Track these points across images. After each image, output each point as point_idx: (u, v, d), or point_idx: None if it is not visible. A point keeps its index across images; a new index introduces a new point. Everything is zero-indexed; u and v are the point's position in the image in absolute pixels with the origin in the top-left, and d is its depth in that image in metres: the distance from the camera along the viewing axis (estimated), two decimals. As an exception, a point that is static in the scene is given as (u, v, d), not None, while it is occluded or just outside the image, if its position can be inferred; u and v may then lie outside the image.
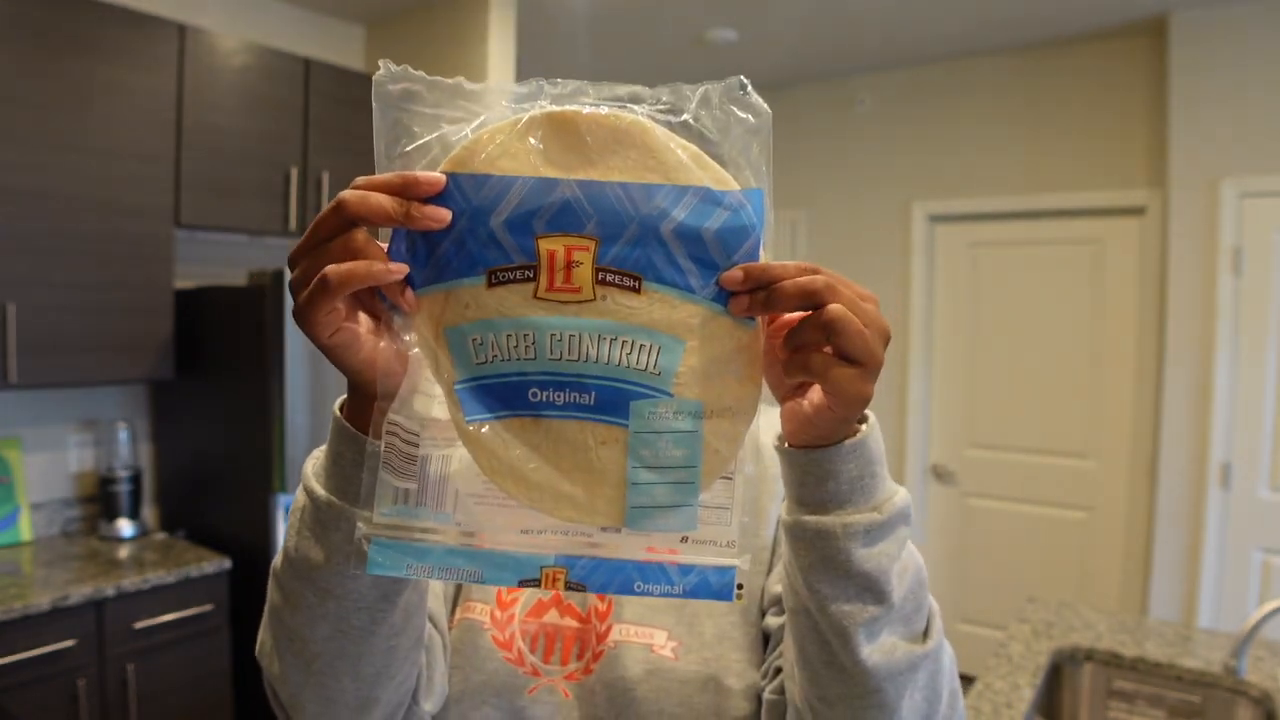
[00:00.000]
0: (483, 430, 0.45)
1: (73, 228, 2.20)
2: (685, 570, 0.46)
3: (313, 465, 0.56)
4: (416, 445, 0.46)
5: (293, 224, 2.68)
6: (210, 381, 2.50)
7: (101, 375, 2.30)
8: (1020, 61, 3.46)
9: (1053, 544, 3.47)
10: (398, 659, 0.59)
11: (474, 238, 0.44)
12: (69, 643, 1.97)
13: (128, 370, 2.35)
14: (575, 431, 0.45)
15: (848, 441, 0.50)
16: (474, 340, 0.45)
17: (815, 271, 0.45)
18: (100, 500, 2.50)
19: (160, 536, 2.51)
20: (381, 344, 0.48)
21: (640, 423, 0.45)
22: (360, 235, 0.44)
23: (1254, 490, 2.91)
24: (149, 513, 2.70)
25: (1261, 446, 2.90)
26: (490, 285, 0.44)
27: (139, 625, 2.11)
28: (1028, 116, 3.45)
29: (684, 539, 0.46)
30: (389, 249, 0.45)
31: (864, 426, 0.52)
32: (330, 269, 0.43)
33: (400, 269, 0.44)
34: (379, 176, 0.44)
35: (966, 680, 1.61)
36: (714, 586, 0.46)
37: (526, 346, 0.44)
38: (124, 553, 2.33)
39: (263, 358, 2.28)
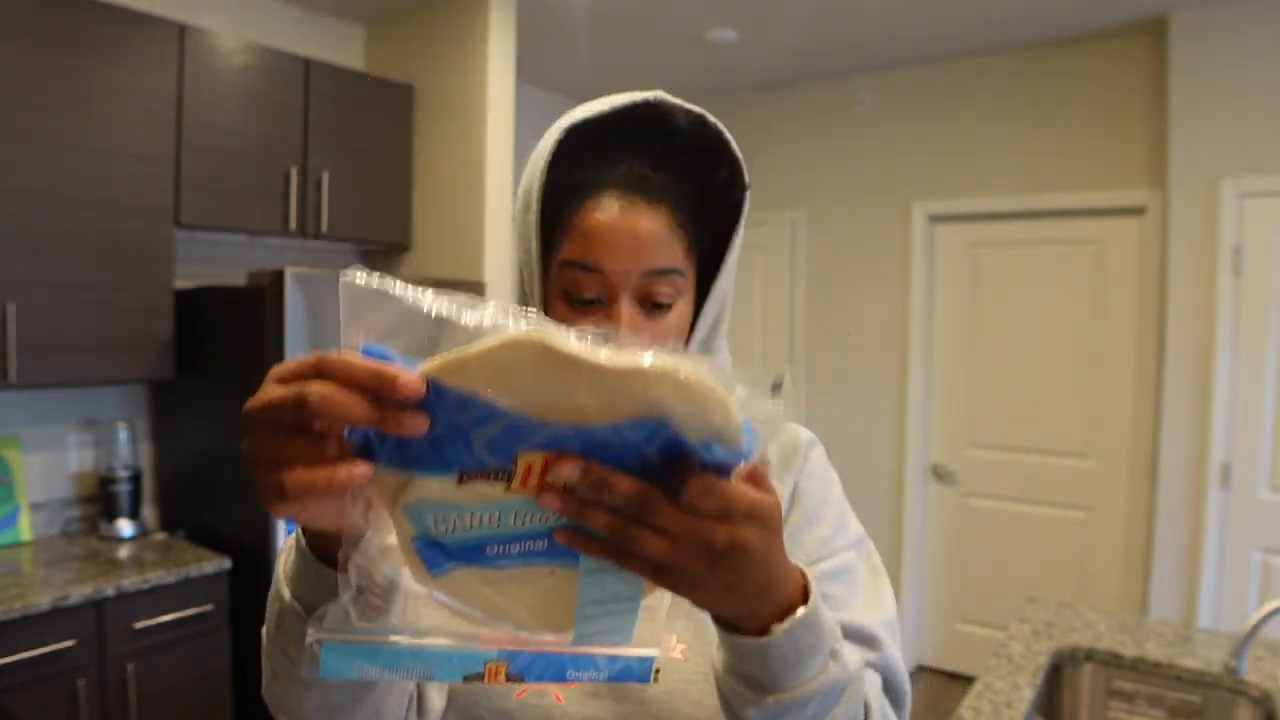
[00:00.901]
0: (440, 578, 0.46)
1: (73, 228, 2.20)
2: (612, 660, 0.50)
3: (284, 563, 0.55)
4: (389, 597, 0.47)
5: (292, 224, 2.68)
6: (210, 381, 2.50)
7: (101, 375, 2.30)
8: (1020, 61, 3.46)
9: (1053, 544, 3.47)
10: (386, 714, 0.62)
11: (450, 446, 0.42)
12: (69, 643, 1.97)
13: (128, 370, 2.35)
14: (529, 571, 0.47)
15: (761, 640, 0.50)
16: (435, 517, 0.44)
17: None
18: (100, 500, 2.50)
19: (160, 536, 2.51)
20: (342, 507, 0.44)
21: (590, 563, 0.46)
22: (326, 441, 0.41)
23: (1254, 490, 2.91)
24: (149, 513, 2.70)
25: (1261, 446, 2.90)
26: (460, 482, 0.43)
27: (139, 625, 2.11)
28: (1028, 116, 3.46)
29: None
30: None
31: (799, 611, 0.50)
32: (288, 480, 0.40)
33: (364, 474, 0.40)
34: (350, 364, 0.39)
35: (966, 680, 1.61)
36: (636, 672, 0.50)
37: (490, 521, 0.45)
38: (124, 553, 2.33)
39: (263, 358, 2.28)
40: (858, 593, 0.72)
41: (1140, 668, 1.68)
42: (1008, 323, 3.57)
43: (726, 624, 0.51)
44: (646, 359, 0.40)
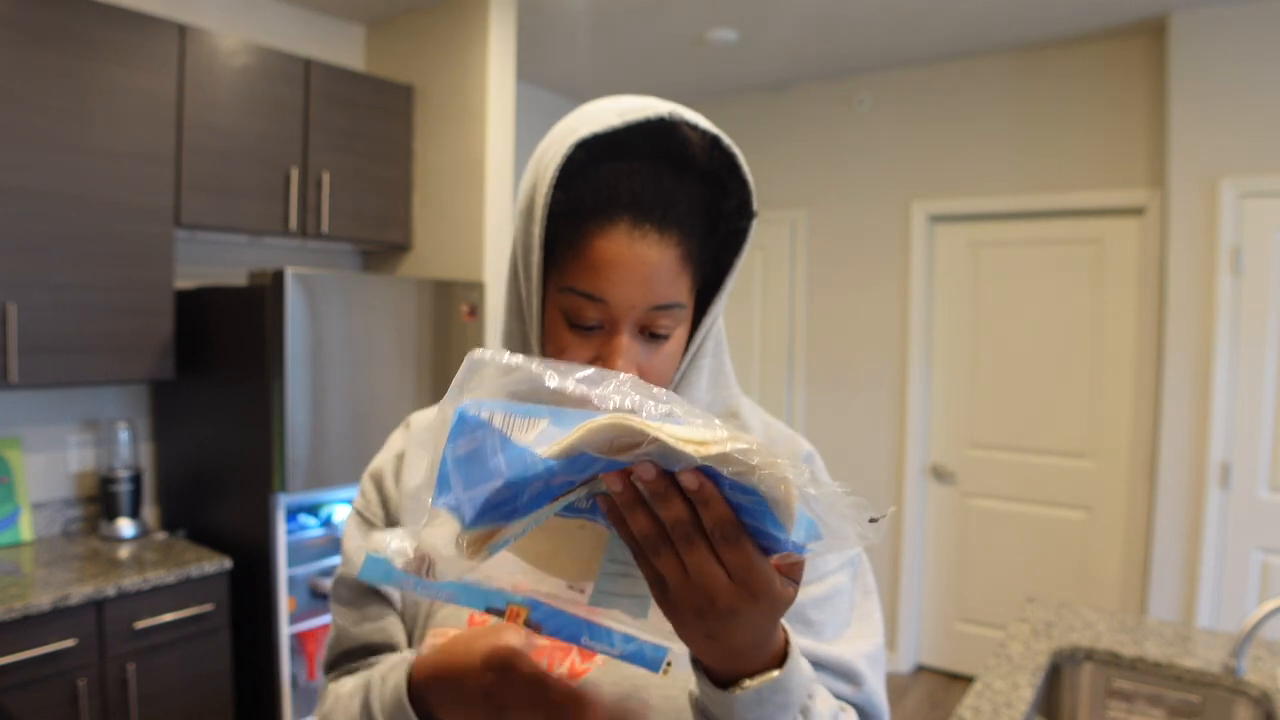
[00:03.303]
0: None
1: (73, 228, 2.20)
2: (627, 639, 0.52)
3: (380, 696, 0.66)
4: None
5: (292, 224, 2.68)
6: (210, 381, 2.50)
7: (102, 375, 2.30)
8: (1020, 61, 3.46)
9: (1052, 544, 3.47)
10: None
11: (546, 495, 0.45)
12: (69, 643, 1.97)
13: (128, 370, 2.35)
14: (564, 522, 0.49)
15: (727, 693, 0.51)
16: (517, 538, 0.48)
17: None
18: (101, 500, 2.50)
19: (161, 536, 2.51)
20: None
21: None
22: None
23: (1254, 490, 2.91)
24: (149, 513, 2.70)
25: (1261, 446, 2.90)
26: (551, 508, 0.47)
27: (139, 625, 2.11)
28: (1028, 116, 3.46)
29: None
30: (442, 485, 0.45)
31: (772, 674, 0.51)
32: None
33: None
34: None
35: (966, 680, 1.61)
36: (647, 658, 0.52)
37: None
38: (124, 553, 2.33)
39: (263, 358, 2.28)
40: (845, 620, 0.71)
41: (1140, 667, 1.68)
42: (1007, 322, 3.57)
43: (701, 664, 0.52)
44: (732, 444, 0.41)
